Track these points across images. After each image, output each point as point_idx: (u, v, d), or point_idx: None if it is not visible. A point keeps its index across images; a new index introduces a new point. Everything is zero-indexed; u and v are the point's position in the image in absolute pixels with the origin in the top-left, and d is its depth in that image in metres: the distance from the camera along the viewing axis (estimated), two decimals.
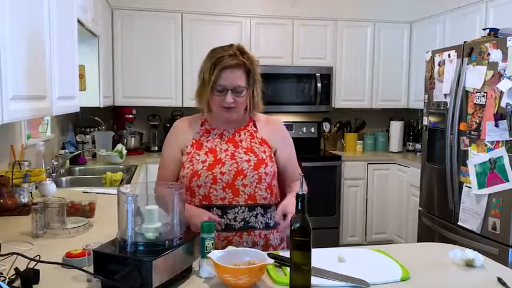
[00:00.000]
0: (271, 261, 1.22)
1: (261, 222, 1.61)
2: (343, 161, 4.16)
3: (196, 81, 1.65)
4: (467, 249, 1.42)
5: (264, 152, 1.63)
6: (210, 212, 1.55)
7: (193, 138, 1.66)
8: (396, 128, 4.50)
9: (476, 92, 2.81)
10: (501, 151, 2.61)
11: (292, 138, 1.78)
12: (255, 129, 1.68)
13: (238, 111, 1.60)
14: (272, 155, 1.65)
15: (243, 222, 1.57)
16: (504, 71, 2.59)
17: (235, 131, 1.66)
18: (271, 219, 1.63)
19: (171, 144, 1.70)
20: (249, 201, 1.57)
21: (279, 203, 1.66)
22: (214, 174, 1.56)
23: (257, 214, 1.60)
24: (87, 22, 2.66)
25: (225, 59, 1.54)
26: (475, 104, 2.83)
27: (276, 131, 1.72)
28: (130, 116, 4.15)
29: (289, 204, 1.43)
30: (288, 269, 1.20)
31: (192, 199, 1.59)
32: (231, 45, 1.61)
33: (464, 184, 2.94)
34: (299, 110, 4.42)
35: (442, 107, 3.18)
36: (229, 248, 1.36)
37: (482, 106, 2.75)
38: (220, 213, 1.56)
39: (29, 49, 1.53)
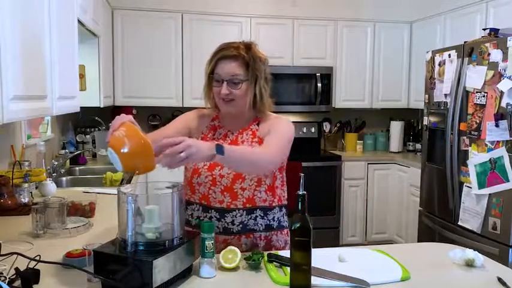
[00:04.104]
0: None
1: (261, 225, 1.59)
2: (343, 161, 4.16)
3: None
4: (468, 249, 1.42)
5: None
6: (209, 214, 1.56)
7: (202, 132, 1.66)
8: (396, 128, 4.50)
9: (477, 92, 2.81)
10: (501, 151, 2.61)
11: None
12: (257, 127, 1.62)
13: (237, 105, 1.56)
14: None
15: (241, 226, 1.56)
16: (504, 71, 2.59)
17: (239, 132, 1.62)
18: (274, 220, 1.61)
19: (182, 120, 1.68)
20: (247, 205, 1.55)
21: (283, 205, 1.65)
22: (214, 176, 1.55)
23: (256, 217, 1.58)
24: (87, 22, 2.66)
25: (225, 50, 1.56)
26: (475, 104, 2.83)
27: (269, 126, 1.60)
28: (131, 115, 4.14)
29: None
30: (288, 269, 1.20)
31: (192, 195, 1.59)
32: (242, 41, 1.63)
33: (465, 184, 2.94)
34: (299, 110, 4.42)
35: (443, 107, 3.18)
36: None
37: (483, 106, 2.75)
38: (218, 216, 1.55)
39: (29, 49, 1.53)
